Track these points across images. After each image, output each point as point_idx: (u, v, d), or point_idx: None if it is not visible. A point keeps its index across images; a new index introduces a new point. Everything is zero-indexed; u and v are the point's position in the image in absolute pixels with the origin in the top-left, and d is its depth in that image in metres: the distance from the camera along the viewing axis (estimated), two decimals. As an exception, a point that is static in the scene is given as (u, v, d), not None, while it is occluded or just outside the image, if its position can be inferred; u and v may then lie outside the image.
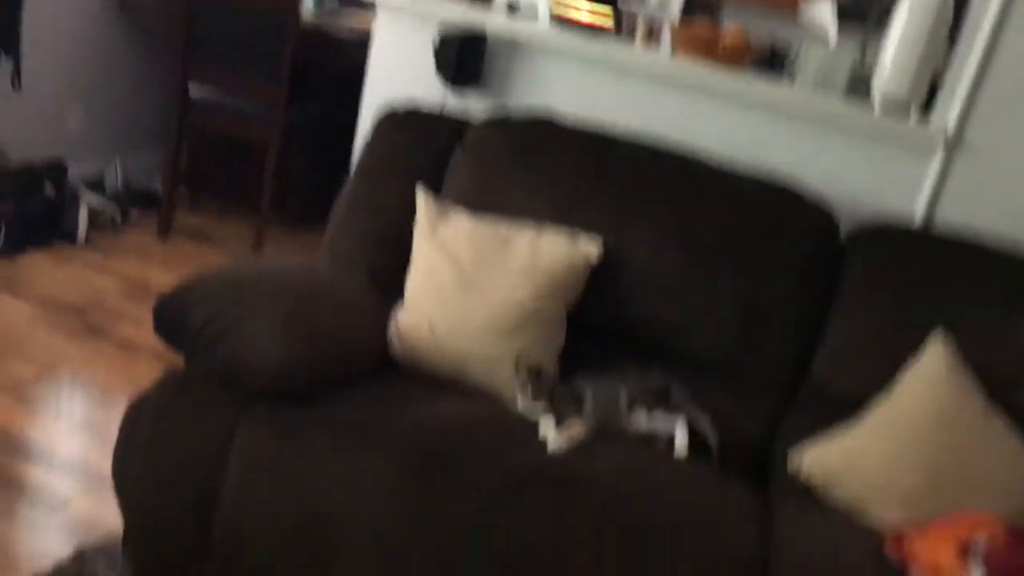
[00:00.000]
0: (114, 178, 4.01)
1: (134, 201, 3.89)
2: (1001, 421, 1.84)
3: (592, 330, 2.09)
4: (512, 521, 1.64)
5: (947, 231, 2.15)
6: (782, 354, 2.08)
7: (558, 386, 1.87)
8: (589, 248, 2.06)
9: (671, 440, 1.88)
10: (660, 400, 1.91)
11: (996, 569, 1.58)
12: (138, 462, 1.76)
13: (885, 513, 1.79)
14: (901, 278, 2.05)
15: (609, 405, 1.88)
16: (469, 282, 2.00)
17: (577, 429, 1.82)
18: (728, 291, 2.06)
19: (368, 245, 2.20)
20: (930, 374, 1.89)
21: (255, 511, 1.70)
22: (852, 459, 1.85)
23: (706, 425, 1.92)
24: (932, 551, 1.64)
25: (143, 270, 3.40)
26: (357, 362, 1.93)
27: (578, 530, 1.63)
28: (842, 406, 1.96)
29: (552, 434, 1.79)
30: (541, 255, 2.03)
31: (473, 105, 2.56)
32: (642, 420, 1.88)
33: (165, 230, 3.71)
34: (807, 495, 1.85)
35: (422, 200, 2.15)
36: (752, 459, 1.97)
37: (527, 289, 1.99)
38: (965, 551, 1.60)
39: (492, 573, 1.63)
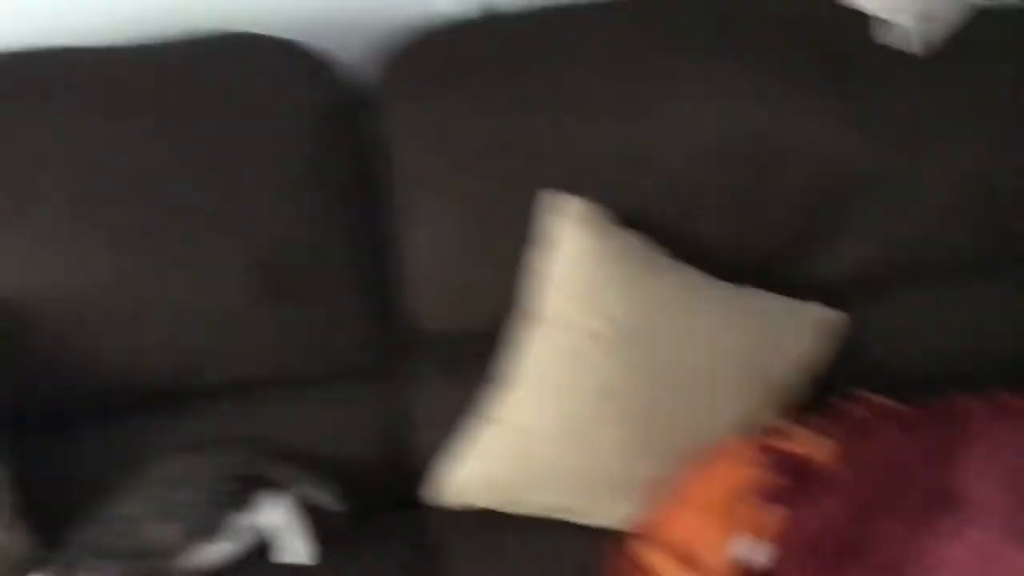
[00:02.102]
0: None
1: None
2: (695, 275, 1.29)
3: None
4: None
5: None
6: (350, 314, 1.32)
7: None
8: None
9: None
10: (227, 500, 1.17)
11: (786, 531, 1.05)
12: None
13: (600, 513, 1.21)
14: (477, 116, 1.30)
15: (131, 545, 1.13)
16: None
17: None
18: (224, 265, 1.25)
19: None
20: (573, 255, 1.24)
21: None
22: (516, 453, 1.23)
23: (318, 493, 1.24)
24: (672, 546, 1.10)
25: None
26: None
27: None
28: (470, 353, 1.32)
29: None
30: None
31: None
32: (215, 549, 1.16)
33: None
34: (485, 526, 1.26)
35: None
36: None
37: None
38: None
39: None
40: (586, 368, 1.24)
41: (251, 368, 1.32)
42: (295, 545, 1.19)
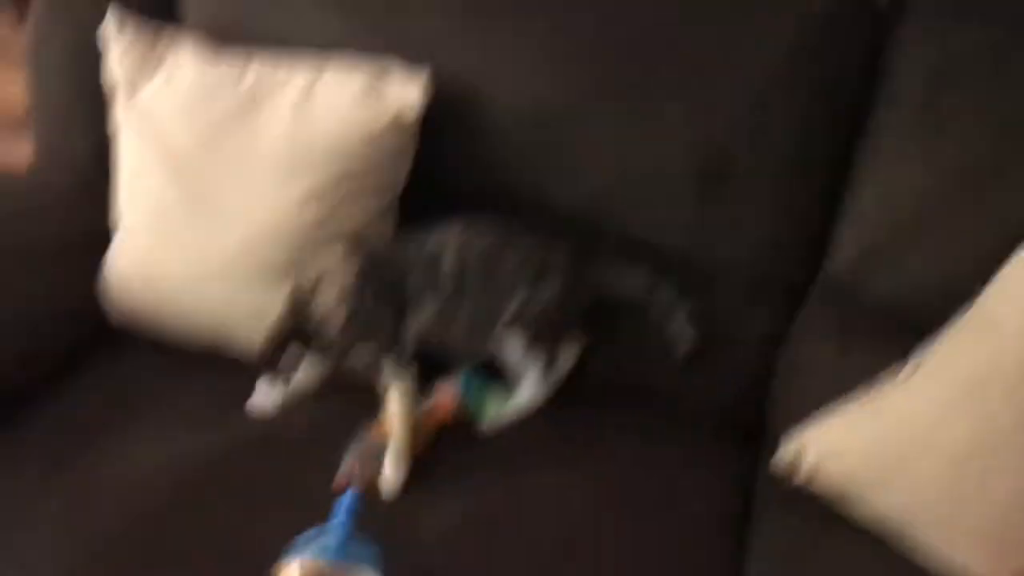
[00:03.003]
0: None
1: None
2: None
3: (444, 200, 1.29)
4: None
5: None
6: (769, 233, 1.25)
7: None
8: (405, 91, 1.20)
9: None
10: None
11: None
12: None
13: (955, 552, 1.03)
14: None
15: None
16: (198, 184, 1.21)
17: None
18: (672, 131, 1.23)
19: (72, 130, 1.37)
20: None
21: None
22: (892, 452, 1.07)
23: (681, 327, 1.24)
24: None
25: None
26: (51, 344, 1.23)
27: None
28: (883, 323, 1.19)
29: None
30: (317, 118, 1.19)
31: None
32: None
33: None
34: (811, 510, 1.12)
35: (114, 33, 1.26)
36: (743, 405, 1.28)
37: (299, 186, 1.19)
38: None
39: None
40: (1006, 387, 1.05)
41: (658, 234, 1.27)
42: (523, 386, 1.21)
